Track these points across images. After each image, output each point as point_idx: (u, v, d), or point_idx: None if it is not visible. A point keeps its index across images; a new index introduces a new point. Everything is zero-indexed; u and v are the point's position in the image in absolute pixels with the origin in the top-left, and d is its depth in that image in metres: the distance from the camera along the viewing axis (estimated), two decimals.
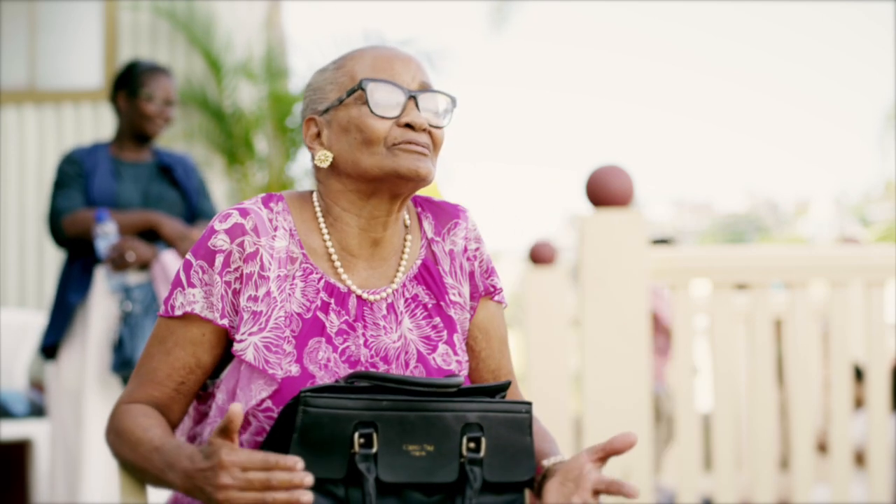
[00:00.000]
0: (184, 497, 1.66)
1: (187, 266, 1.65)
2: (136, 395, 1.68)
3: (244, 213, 1.65)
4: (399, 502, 1.54)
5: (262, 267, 1.63)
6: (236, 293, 1.63)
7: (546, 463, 1.64)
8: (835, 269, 3.45)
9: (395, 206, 1.68)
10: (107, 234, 3.49)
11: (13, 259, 6.12)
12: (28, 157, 6.19)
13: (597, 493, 1.58)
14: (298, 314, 1.64)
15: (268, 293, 1.62)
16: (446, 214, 1.78)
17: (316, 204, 1.71)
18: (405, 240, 1.74)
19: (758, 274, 3.42)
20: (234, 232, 1.64)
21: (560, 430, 5.12)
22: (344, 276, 1.67)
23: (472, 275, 1.77)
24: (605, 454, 1.60)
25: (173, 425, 1.70)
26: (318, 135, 1.69)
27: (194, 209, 3.76)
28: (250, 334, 1.61)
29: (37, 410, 4.93)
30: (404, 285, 1.71)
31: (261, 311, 1.62)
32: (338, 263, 1.68)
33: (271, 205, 1.68)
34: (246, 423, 1.62)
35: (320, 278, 1.66)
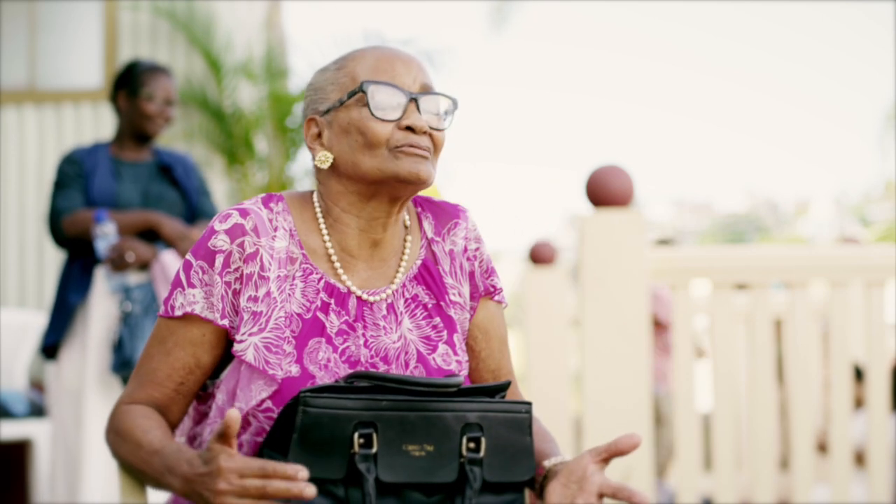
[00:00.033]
0: (184, 499, 1.66)
1: (187, 266, 1.65)
2: (136, 395, 1.68)
3: (244, 213, 1.65)
4: (399, 502, 1.54)
5: (262, 267, 1.63)
6: (236, 293, 1.63)
7: (547, 463, 1.64)
8: (835, 269, 3.45)
9: (395, 208, 1.68)
10: (106, 235, 3.49)
11: (13, 259, 6.12)
12: (28, 157, 6.19)
13: (601, 496, 1.58)
14: (298, 314, 1.64)
15: (268, 293, 1.62)
16: (446, 214, 1.77)
17: (316, 204, 1.71)
18: (405, 240, 1.74)
19: (758, 274, 3.42)
20: (235, 232, 1.63)
21: (560, 430, 5.12)
22: (344, 277, 1.67)
23: (472, 275, 1.76)
24: (608, 455, 1.59)
25: (173, 426, 1.70)
26: (319, 135, 1.69)
27: (194, 208, 3.76)
28: (250, 335, 1.61)
29: (37, 410, 4.93)
30: (404, 285, 1.71)
31: (261, 312, 1.62)
32: (337, 264, 1.68)
33: (271, 205, 1.68)
34: (246, 423, 1.62)
35: (320, 279, 1.66)
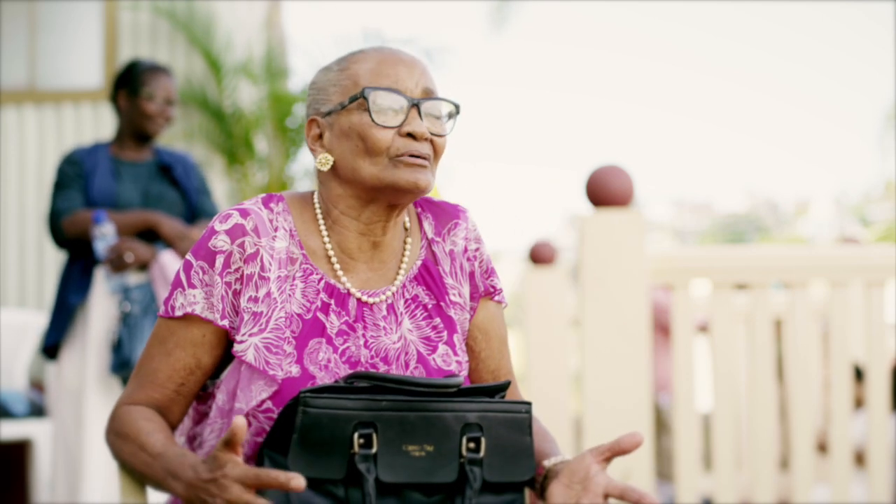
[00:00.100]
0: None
1: (187, 267, 1.65)
2: (137, 396, 1.68)
3: (244, 213, 1.65)
4: (399, 502, 1.54)
5: (262, 268, 1.63)
6: (237, 294, 1.63)
7: (547, 463, 1.64)
8: (835, 269, 3.45)
9: (394, 213, 1.68)
10: (105, 236, 3.49)
11: (13, 259, 6.12)
12: (28, 157, 6.19)
13: (607, 496, 1.57)
14: (298, 315, 1.64)
15: (268, 294, 1.62)
16: (446, 215, 1.77)
17: (316, 205, 1.71)
18: (405, 242, 1.74)
19: (758, 274, 3.42)
20: (235, 232, 1.63)
21: (560, 430, 5.12)
22: (343, 279, 1.67)
23: (472, 275, 1.76)
24: (611, 454, 1.59)
25: (173, 426, 1.70)
26: (320, 136, 1.69)
27: (194, 208, 3.76)
28: (251, 335, 1.61)
29: (37, 410, 4.93)
30: (404, 286, 1.71)
31: (261, 312, 1.62)
32: (337, 265, 1.68)
33: (271, 205, 1.68)
34: (246, 423, 1.62)
35: (320, 279, 1.66)
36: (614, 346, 3.17)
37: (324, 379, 1.61)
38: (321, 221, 1.69)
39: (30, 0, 6.35)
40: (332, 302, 1.66)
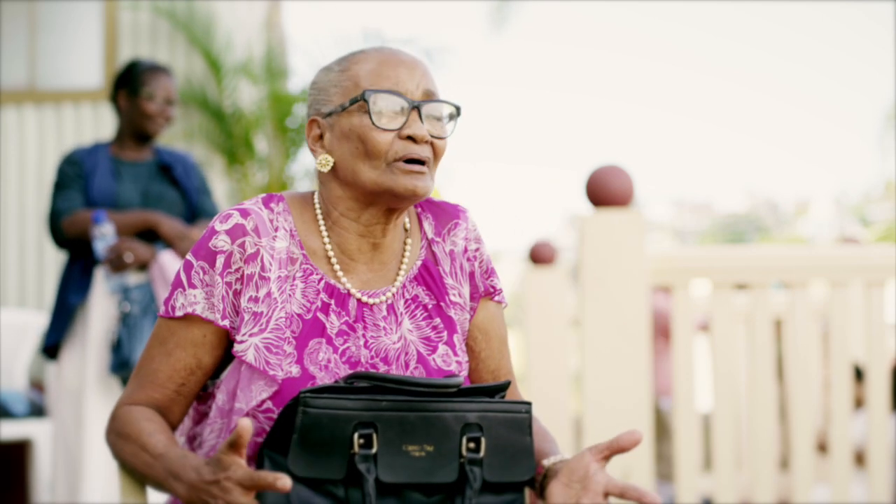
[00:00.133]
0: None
1: (188, 267, 1.65)
2: (137, 396, 1.68)
3: (245, 213, 1.65)
4: (399, 503, 1.54)
5: (262, 268, 1.63)
6: (237, 294, 1.63)
7: (546, 462, 1.64)
8: (835, 269, 3.45)
9: (393, 216, 1.68)
10: (104, 236, 3.49)
11: (13, 259, 6.12)
12: (28, 157, 6.19)
13: (607, 495, 1.57)
14: (299, 315, 1.64)
15: (268, 294, 1.62)
16: (446, 215, 1.77)
17: (317, 205, 1.71)
18: (405, 242, 1.74)
19: (758, 274, 3.42)
20: (235, 233, 1.63)
21: (560, 430, 5.12)
22: (343, 280, 1.67)
23: (472, 275, 1.76)
24: (610, 453, 1.59)
25: (173, 426, 1.70)
26: (321, 136, 1.69)
27: (195, 208, 3.76)
28: (251, 335, 1.61)
29: (37, 410, 4.93)
30: (404, 286, 1.71)
31: (261, 312, 1.62)
32: (336, 266, 1.68)
33: (272, 205, 1.68)
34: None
35: (320, 279, 1.66)
36: (614, 346, 3.17)
37: (324, 379, 1.61)
38: (321, 222, 1.69)
39: (30, 0, 6.35)
40: (333, 302, 1.66)
